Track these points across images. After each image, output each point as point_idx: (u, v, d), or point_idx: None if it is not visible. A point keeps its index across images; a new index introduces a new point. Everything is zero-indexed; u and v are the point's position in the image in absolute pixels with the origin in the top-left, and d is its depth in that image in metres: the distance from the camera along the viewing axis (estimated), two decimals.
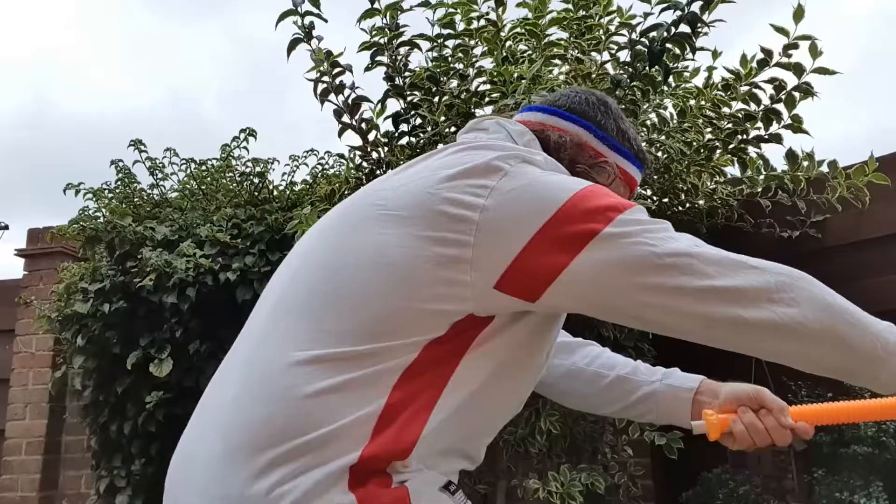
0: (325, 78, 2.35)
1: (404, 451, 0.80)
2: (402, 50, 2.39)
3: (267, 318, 0.90)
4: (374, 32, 2.34)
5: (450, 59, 2.41)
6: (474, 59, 2.40)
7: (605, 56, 2.39)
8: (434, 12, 2.32)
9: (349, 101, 2.39)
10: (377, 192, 0.92)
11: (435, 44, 2.39)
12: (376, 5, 2.30)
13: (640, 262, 0.82)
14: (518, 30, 2.34)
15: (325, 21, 2.30)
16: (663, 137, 2.44)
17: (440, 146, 0.99)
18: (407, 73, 2.39)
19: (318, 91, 2.36)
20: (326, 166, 3.44)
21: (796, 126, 2.33)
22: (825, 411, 1.01)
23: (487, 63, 2.39)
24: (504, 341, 0.88)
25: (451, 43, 2.39)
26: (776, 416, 1.00)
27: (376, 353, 0.80)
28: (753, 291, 0.81)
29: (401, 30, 2.34)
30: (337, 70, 2.35)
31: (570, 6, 2.35)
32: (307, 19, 2.28)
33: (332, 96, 2.38)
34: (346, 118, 2.41)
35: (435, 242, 0.82)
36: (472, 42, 2.37)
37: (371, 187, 0.96)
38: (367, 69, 2.39)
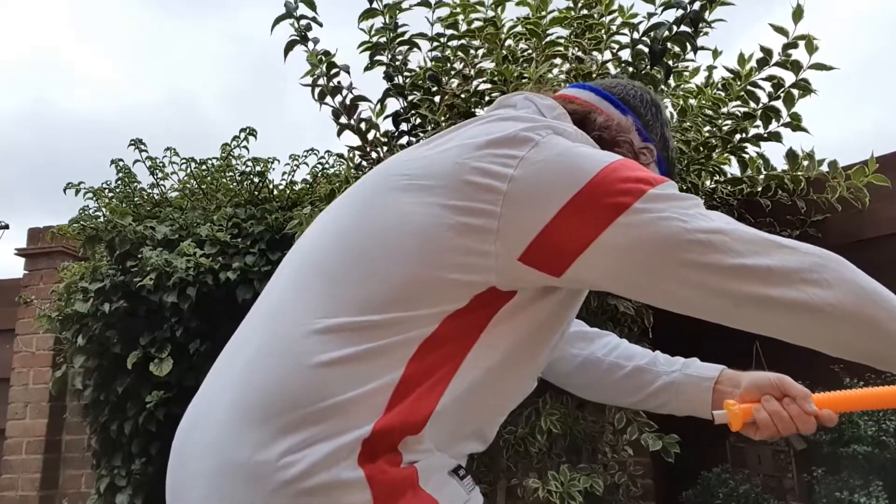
0: (322, 80, 2.35)
1: (417, 425, 0.79)
2: (402, 49, 2.39)
3: (289, 281, 0.89)
4: (373, 32, 2.34)
5: (452, 58, 2.41)
6: (475, 60, 2.39)
7: (607, 55, 2.38)
8: (433, 12, 2.32)
9: (346, 101, 2.39)
10: (405, 163, 0.90)
11: (437, 43, 2.39)
12: (375, 5, 2.30)
13: (670, 238, 0.80)
14: (518, 29, 2.34)
15: (321, 25, 2.31)
16: None
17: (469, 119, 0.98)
18: (407, 73, 2.39)
19: (317, 92, 2.36)
20: (326, 166, 3.44)
21: (795, 124, 2.33)
22: (848, 398, 1.00)
23: (487, 63, 2.39)
24: (524, 319, 0.87)
25: (453, 43, 2.39)
26: (800, 403, 0.98)
27: (396, 322, 0.79)
28: (785, 271, 0.79)
29: (400, 29, 2.34)
30: (333, 71, 2.35)
31: (570, 4, 2.34)
32: (302, 21, 2.28)
33: (328, 98, 2.39)
34: (343, 119, 2.41)
35: (460, 211, 0.81)
36: (476, 42, 2.37)
37: (398, 157, 0.95)
38: (367, 69, 2.39)
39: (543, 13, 2.32)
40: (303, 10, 2.28)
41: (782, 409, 0.98)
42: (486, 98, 2.33)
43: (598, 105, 1.05)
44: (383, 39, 2.35)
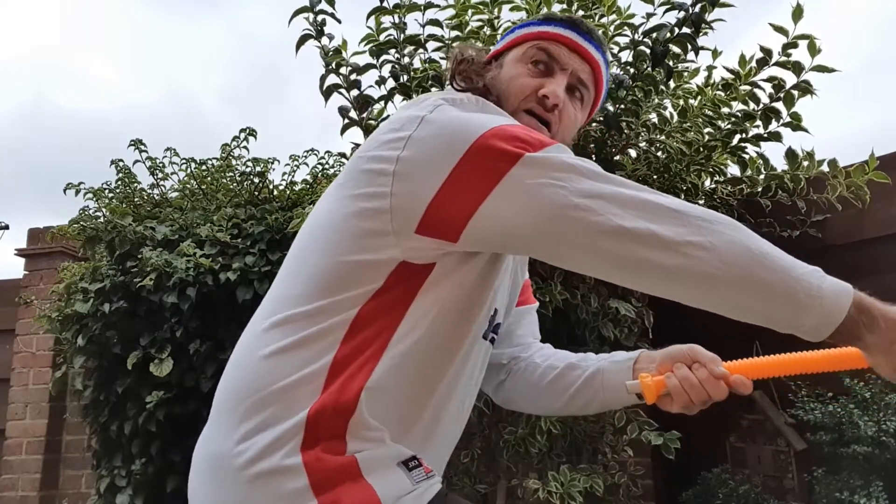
0: (333, 76, 2.35)
1: (349, 403, 0.82)
2: (410, 49, 2.39)
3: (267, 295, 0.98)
4: (380, 30, 2.34)
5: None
6: None
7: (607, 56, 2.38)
8: (424, 14, 2.32)
9: (359, 99, 2.39)
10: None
11: (441, 44, 2.39)
12: (384, 3, 2.30)
13: (550, 203, 0.81)
14: None
15: (339, 21, 2.31)
16: (663, 137, 2.44)
17: None
18: (412, 73, 2.39)
19: (325, 87, 2.36)
20: (327, 166, 3.44)
21: (795, 124, 2.33)
22: (760, 364, 1.00)
23: None
24: (448, 288, 0.90)
25: (456, 44, 2.39)
26: (708, 367, 0.98)
27: (323, 310, 0.85)
28: (667, 234, 0.79)
29: (408, 30, 2.35)
30: (350, 67, 2.36)
31: (565, 6, 2.34)
32: (319, 17, 2.29)
33: (342, 91, 2.38)
34: (353, 114, 2.41)
35: (360, 199, 0.88)
36: (479, 44, 2.37)
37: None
38: (369, 67, 2.39)
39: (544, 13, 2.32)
40: (323, 5, 2.28)
41: (691, 374, 0.98)
42: None
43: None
44: (392, 37, 2.35)
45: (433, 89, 2.36)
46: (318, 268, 0.88)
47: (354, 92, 2.39)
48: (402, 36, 2.35)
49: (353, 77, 2.37)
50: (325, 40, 2.32)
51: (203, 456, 0.86)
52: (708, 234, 0.80)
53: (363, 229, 0.86)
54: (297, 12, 2.25)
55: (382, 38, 2.35)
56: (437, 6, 2.31)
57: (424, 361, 0.90)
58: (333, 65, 2.33)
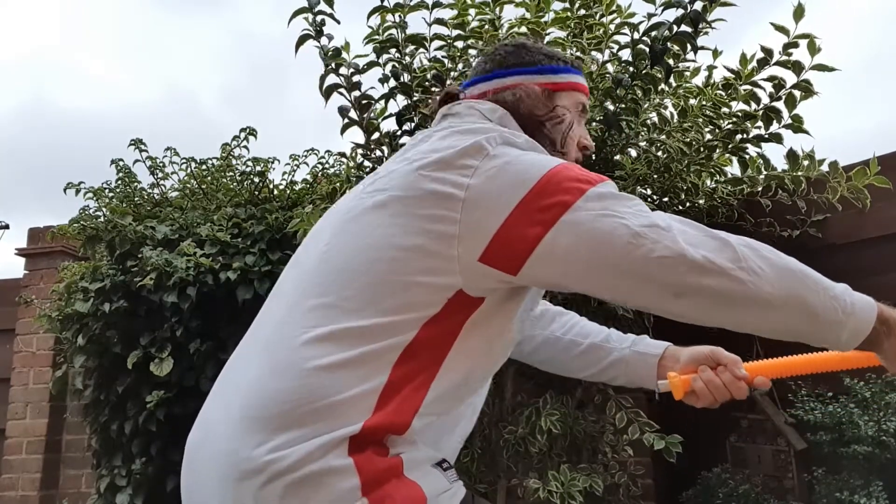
0: (333, 75, 2.35)
1: (403, 426, 0.86)
2: (411, 48, 2.39)
3: (291, 295, 0.95)
4: (382, 30, 2.34)
5: (456, 59, 2.40)
6: (474, 60, 2.39)
7: (606, 55, 2.38)
8: (431, 13, 2.32)
9: (360, 99, 2.39)
10: (379, 178, 0.99)
11: (443, 43, 2.39)
12: (385, 2, 2.30)
13: (610, 234, 0.86)
14: (516, 29, 2.34)
15: (338, 22, 2.32)
16: (664, 137, 2.43)
17: (430, 130, 1.05)
18: (413, 72, 2.39)
19: (324, 87, 2.36)
20: (327, 165, 3.44)
21: (797, 126, 2.32)
22: (778, 365, 1.08)
23: None
24: (493, 323, 0.94)
25: (458, 44, 2.39)
26: (731, 369, 1.08)
27: (380, 328, 0.86)
28: (720, 262, 0.85)
29: (409, 29, 2.35)
30: (350, 68, 2.35)
31: (567, 4, 2.34)
32: (318, 17, 2.29)
33: (342, 91, 2.38)
34: (353, 114, 2.41)
35: (427, 220, 0.89)
36: (481, 43, 2.37)
37: (377, 173, 1.03)
38: (371, 65, 2.39)
39: (542, 13, 2.32)
40: (322, 6, 2.28)
41: (716, 377, 1.08)
42: None
43: (497, 86, 1.11)
44: (393, 36, 2.34)
45: (434, 89, 2.36)
46: (379, 285, 0.88)
47: (355, 93, 2.39)
48: (403, 35, 2.34)
49: (354, 78, 2.37)
50: (324, 40, 2.32)
51: (228, 466, 0.82)
52: (757, 259, 0.86)
53: (430, 251, 0.88)
54: (296, 13, 2.26)
55: (384, 36, 2.35)
56: (442, 4, 2.31)
57: (462, 390, 0.96)
58: (333, 65, 2.33)
